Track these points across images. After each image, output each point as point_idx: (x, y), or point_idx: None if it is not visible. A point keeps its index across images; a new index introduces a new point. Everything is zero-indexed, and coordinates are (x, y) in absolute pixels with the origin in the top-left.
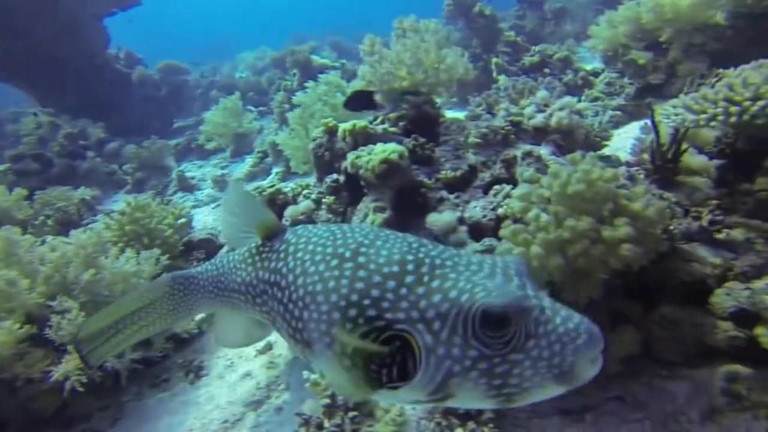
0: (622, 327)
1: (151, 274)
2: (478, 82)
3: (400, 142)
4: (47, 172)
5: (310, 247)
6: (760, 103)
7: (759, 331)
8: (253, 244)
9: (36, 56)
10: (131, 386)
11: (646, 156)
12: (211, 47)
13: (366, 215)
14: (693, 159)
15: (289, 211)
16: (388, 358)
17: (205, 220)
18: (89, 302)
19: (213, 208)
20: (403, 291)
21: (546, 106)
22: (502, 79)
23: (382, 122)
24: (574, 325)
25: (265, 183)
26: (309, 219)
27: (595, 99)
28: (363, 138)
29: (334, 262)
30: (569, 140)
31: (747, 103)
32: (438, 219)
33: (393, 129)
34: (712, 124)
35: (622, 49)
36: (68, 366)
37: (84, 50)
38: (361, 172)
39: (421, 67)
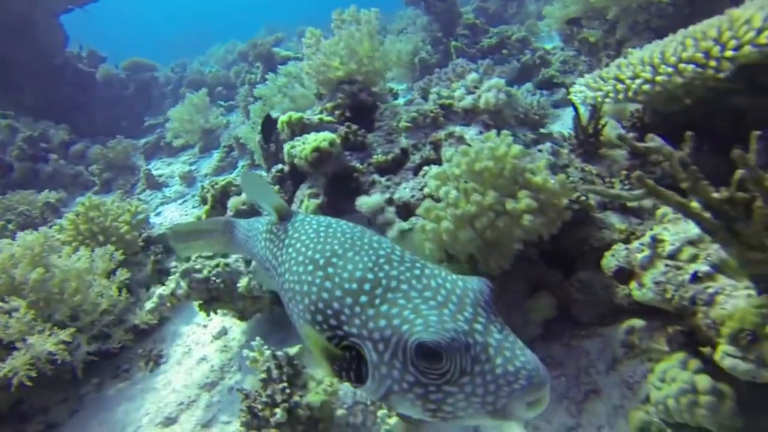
0: (539, 293)
1: (105, 270)
2: (439, 66)
3: (334, 131)
4: (7, 177)
5: (298, 245)
6: (638, 81)
7: (631, 285)
8: (269, 220)
9: None
10: (92, 378)
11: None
12: (185, 42)
13: (302, 201)
14: (611, 133)
15: (231, 201)
16: (345, 362)
17: (173, 216)
18: (41, 299)
19: (180, 204)
20: (357, 309)
21: (476, 87)
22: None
23: (321, 112)
24: (514, 368)
25: (221, 176)
26: (251, 208)
27: (552, 77)
28: (299, 128)
29: (310, 268)
30: (498, 119)
31: (628, 81)
32: (366, 201)
33: (329, 118)
34: (607, 100)
35: (576, 27)
36: (16, 362)
37: (38, 50)
38: (296, 161)
39: (355, 57)
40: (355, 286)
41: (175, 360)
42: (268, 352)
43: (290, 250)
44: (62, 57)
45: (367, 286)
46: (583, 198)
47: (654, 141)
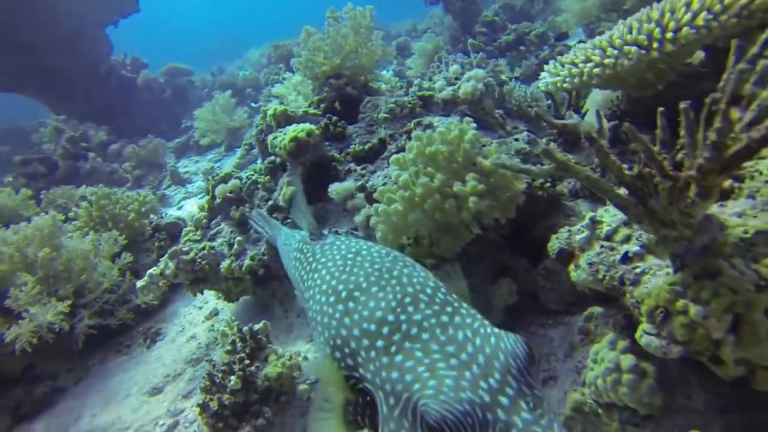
0: (501, 280)
1: (110, 253)
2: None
3: (317, 122)
4: (53, 174)
5: (324, 272)
6: (589, 64)
7: (570, 266)
8: (303, 237)
9: (40, 68)
10: (98, 352)
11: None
12: (224, 48)
13: (281, 189)
14: (587, 121)
15: (219, 189)
16: (359, 406)
17: (192, 210)
18: (49, 276)
19: (200, 198)
20: (372, 354)
21: (457, 79)
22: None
23: (309, 106)
24: None
25: (224, 169)
26: (238, 196)
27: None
28: (284, 120)
29: (332, 299)
30: (478, 110)
31: (581, 65)
32: (338, 187)
33: (314, 111)
34: (565, 85)
35: (595, 20)
36: (20, 329)
37: (87, 59)
38: (277, 151)
39: (341, 52)
40: (373, 327)
41: (169, 338)
42: (237, 328)
43: (315, 276)
44: (107, 65)
45: (385, 330)
46: (547, 185)
47: (572, 118)
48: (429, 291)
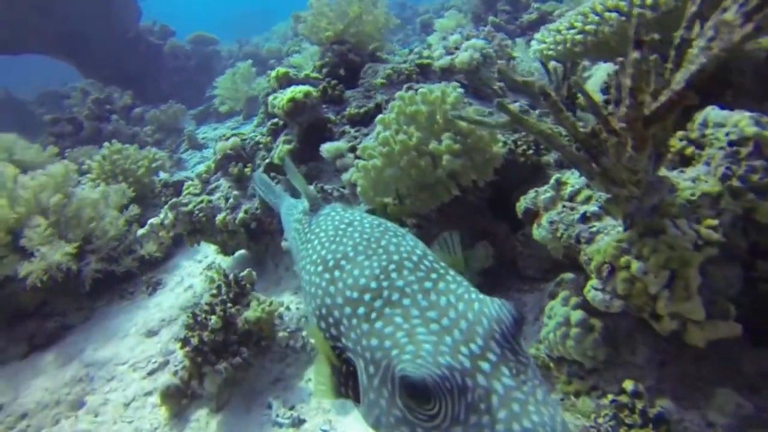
0: (478, 243)
1: (118, 204)
2: None
3: (317, 86)
4: (78, 135)
5: (316, 242)
6: (572, 31)
7: (533, 226)
8: (304, 207)
9: (71, 32)
10: (104, 296)
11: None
12: (254, 21)
13: (278, 147)
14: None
15: (219, 145)
16: (343, 376)
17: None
18: (60, 221)
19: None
20: (354, 321)
21: (456, 48)
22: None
23: (312, 70)
24: (520, 428)
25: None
26: (237, 153)
27: None
28: (286, 82)
29: (320, 269)
30: (475, 80)
31: (564, 32)
32: (329, 146)
33: (315, 75)
34: (550, 52)
35: None
36: (31, 266)
37: (115, 24)
38: (275, 110)
39: (345, 19)
40: (356, 295)
41: (169, 287)
42: (223, 273)
43: (308, 246)
44: (135, 31)
45: (367, 297)
46: (531, 152)
47: (533, 77)
48: (415, 258)
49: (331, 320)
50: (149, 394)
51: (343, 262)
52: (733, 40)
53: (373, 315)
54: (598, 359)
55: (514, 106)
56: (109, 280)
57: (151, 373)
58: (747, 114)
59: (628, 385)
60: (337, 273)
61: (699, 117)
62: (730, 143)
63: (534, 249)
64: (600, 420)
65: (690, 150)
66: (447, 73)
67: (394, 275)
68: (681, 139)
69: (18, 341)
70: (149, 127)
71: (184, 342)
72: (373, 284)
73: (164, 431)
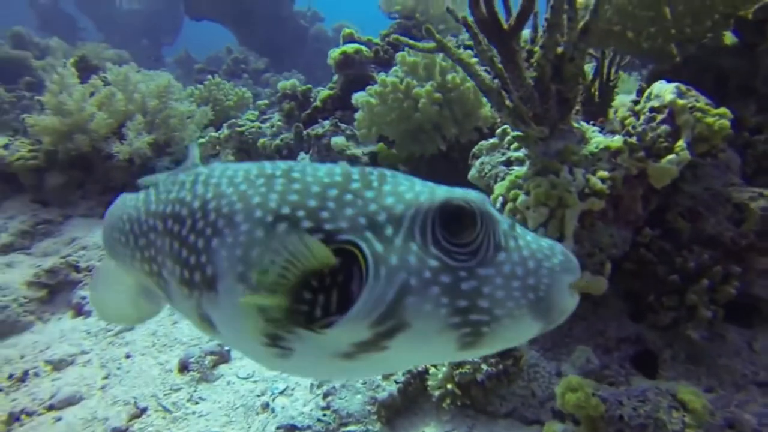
0: None
1: (200, 122)
2: None
3: (371, 48)
4: None
5: (229, 172)
6: None
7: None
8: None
9: (242, 7)
10: None
11: None
12: None
13: (320, 90)
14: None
15: (280, 84)
16: (327, 277)
17: None
18: (154, 122)
19: None
20: (348, 197)
21: None
22: None
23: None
24: (548, 243)
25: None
26: (293, 93)
27: None
28: (349, 40)
29: (261, 181)
30: None
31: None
32: (358, 95)
33: (376, 40)
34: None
35: None
36: (121, 147)
37: (272, 4)
38: (329, 61)
39: None
40: (339, 178)
41: None
42: None
43: (213, 180)
44: (288, 11)
45: (355, 176)
46: None
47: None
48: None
49: (301, 213)
50: None
51: (297, 168)
52: None
53: (375, 183)
54: None
55: (439, 36)
56: None
57: None
58: (674, 85)
59: None
60: (296, 174)
61: (649, 90)
62: (651, 109)
63: None
64: None
65: (630, 120)
66: None
67: (368, 169)
68: (628, 110)
69: (104, 205)
70: (270, 90)
71: None
72: (355, 170)
73: None
